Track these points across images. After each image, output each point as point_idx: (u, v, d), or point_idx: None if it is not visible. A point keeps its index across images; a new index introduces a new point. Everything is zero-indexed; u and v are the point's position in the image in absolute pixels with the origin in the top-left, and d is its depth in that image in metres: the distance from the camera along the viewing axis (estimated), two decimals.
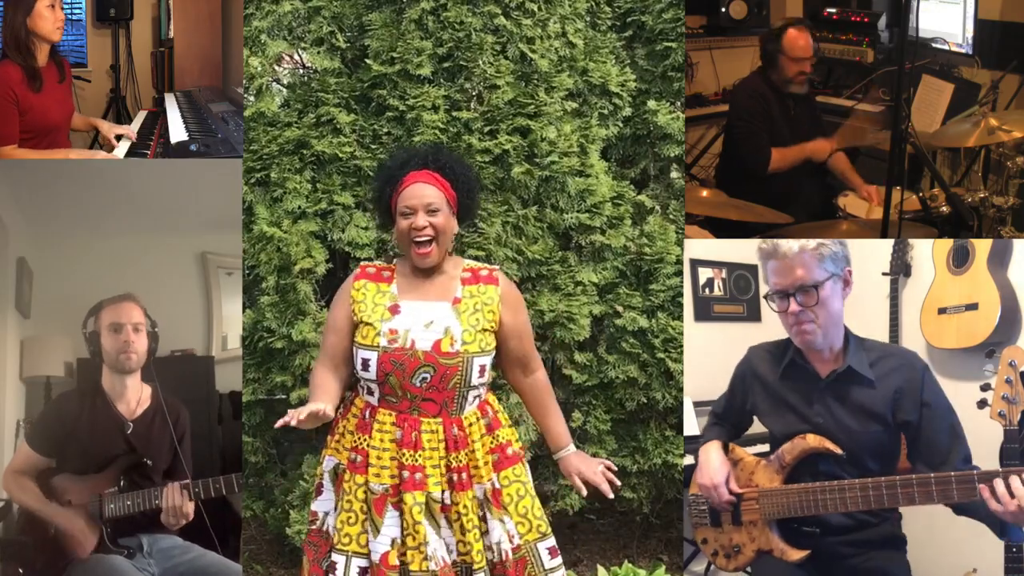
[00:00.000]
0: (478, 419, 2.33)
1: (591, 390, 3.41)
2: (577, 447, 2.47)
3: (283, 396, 3.30)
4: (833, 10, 4.68)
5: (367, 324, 2.26)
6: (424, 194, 2.26)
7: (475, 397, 2.32)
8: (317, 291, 3.27)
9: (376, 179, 2.41)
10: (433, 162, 2.31)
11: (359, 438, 2.29)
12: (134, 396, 3.00)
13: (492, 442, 2.35)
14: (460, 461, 2.28)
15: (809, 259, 2.45)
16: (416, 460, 2.24)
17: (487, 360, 2.31)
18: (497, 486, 2.33)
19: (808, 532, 2.59)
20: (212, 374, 3.57)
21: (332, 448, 2.37)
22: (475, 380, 2.28)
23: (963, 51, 4.09)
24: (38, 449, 2.97)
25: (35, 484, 2.94)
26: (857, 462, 2.50)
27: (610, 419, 3.41)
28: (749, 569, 2.70)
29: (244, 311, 3.29)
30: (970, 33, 4.03)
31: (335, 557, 2.26)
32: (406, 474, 2.24)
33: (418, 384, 2.23)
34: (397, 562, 2.22)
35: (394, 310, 2.28)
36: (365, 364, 2.25)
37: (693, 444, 3.30)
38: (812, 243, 2.46)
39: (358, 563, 2.25)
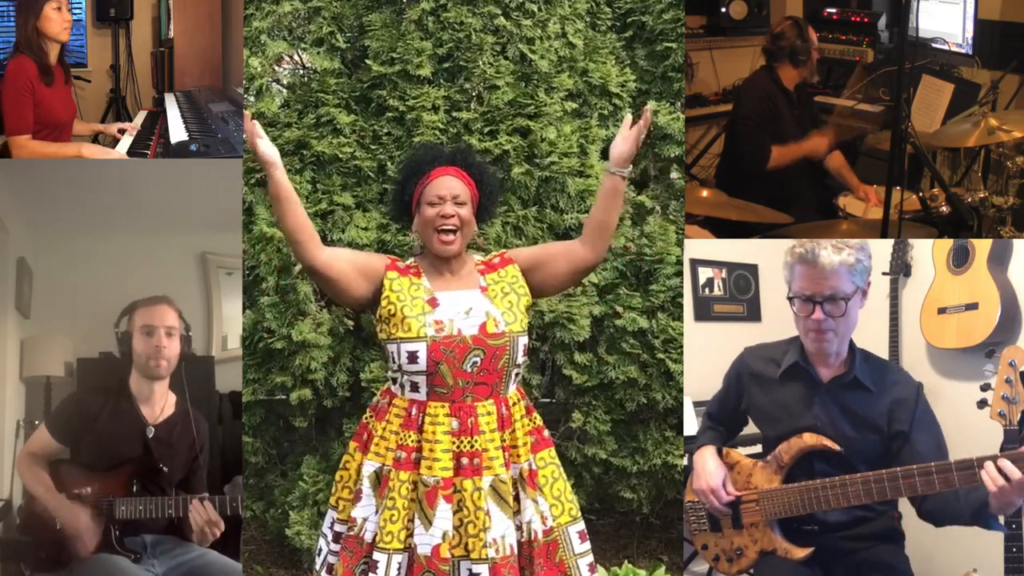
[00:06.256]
0: (519, 400, 2.38)
1: (591, 391, 3.41)
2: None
3: (283, 396, 3.30)
4: (833, 10, 4.67)
5: (408, 318, 2.28)
6: (452, 186, 2.32)
7: (516, 375, 2.36)
8: (317, 292, 3.27)
9: (401, 171, 2.43)
10: (461, 161, 2.38)
11: (405, 435, 2.30)
12: (159, 402, 2.99)
13: (530, 424, 2.39)
14: (506, 440, 2.32)
15: (843, 271, 2.44)
16: (475, 445, 2.26)
17: (526, 339, 2.36)
18: (534, 467, 2.35)
19: (809, 530, 2.60)
20: (212, 374, 3.56)
21: (372, 453, 2.35)
22: (519, 359, 2.33)
23: (963, 51, 4.09)
24: (55, 435, 2.96)
25: (47, 472, 2.93)
26: (851, 469, 2.50)
27: (610, 419, 3.41)
28: (752, 571, 2.70)
29: (244, 311, 3.29)
30: (970, 33, 4.03)
31: (376, 556, 2.26)
32: (464, 461, 2.26)
33: (469, 369, 2.26)
34: (449, 555, 2.23)
35: (433, 303, 2.31)
36: (412, 356, 2.26)
37: (693, 444, 3.31)
38: (848, 256, 2.44)
39: (397, 559, 2.25)
